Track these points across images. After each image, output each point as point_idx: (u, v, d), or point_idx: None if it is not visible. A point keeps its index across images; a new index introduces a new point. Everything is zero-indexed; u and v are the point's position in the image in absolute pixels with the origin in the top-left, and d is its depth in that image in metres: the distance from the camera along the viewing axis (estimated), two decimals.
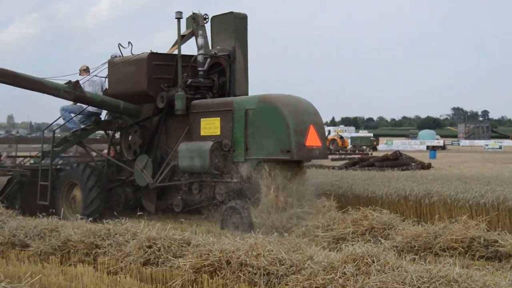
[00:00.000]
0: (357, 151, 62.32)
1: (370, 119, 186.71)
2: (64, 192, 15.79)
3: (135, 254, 8.72)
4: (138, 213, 12.52)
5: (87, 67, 17.20)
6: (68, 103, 16.53)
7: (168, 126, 15.16)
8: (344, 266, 7.04)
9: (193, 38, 15.82)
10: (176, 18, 14.59)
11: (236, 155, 13.54)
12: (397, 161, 29.93)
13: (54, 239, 10.00)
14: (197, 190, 14.25)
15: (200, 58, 15.01)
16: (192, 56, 15.19)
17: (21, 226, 10.89)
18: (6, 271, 8.26)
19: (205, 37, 15.53)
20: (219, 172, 13.68)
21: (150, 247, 8.72)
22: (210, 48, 15.46)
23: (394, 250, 8.47)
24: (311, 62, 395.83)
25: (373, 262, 7.06)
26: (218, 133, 13.87)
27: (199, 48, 15.24)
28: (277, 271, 7.47)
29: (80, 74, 17.01)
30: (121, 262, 8.74)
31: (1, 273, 8.01)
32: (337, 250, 8.54)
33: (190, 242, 8.76)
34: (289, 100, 13.33)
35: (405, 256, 7.91)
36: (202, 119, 14.30)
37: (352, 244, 7.63)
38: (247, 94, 14.88)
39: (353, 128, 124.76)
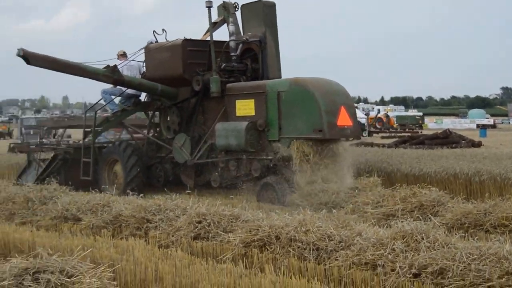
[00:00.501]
0: (407, 129, 61.66)
1: (419, 99, 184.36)
2: (106, 168, 16.71)
3: (186, 228, 8.84)
4: (187, 191, 12.68)
5: (124, 52, 17.85)
6: (108, 86, 17.10)
7: (204, 107, 15.95)
8: (393, 243, 7.02)
9: (225, 25, 16.38)
10: (206, 6, 15.41)
11: (271, 134, 14.20)
12: (447, 139, 29.59)
13: (105, 214, 10.21)
14: (234, 167, 14.93)
15: (232, 44, 15.75)
16: (224, 42, 15.88)
17: (73, 201, 11.16)
18: (58, 244, 8.46)
19: (236, 24, 16.12)
20: (254, 150, 14.37)
21: (200, 222, 8.83)
22: (242, 34, 16.03)
23: (443, 227, 8.40)
24: (360, 42, 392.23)
25: (423, 239, 7.03)
26: (253, 113, 14.55)
27: (230, 34, 15.91)
28: (326, 246, 7.50)
29: (118, 59, 17.65)
30: (172, 236, 8.88)
31: (53, 246, 8.26)
32: (386, 226, 8.51)
33: (240, 218, 8.85)
34: (320, 82, 13.95)
35: (455, 233, 7.85)
36: (237, 101, 15.01)
37: (401, 221, 7.63)
38: (280, 77, 15.43)
39: (402, 107, 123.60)
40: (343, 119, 13.60)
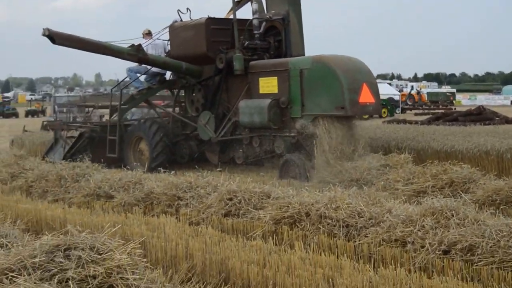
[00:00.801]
0: (440, 106, 61.05)
1: (453, 75, 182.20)
2: (131, 145, 16.91)
3: (216, 206, 8.90)
4: (218, 169, 12.75)
5: (150, 31, 17.96)
6: (134, 64, 17.35)
7: (228, 85, 16.06)
8: (423, 220, 7.01)
9: (249, 3, 16.41)
10: None
11: (293, 111, 14.33)
12: (480, 115, 29.29)
13: (137, 191, 10.31)
14: (257, 144, 15.19)
15: (255, 22, 15.80)
16: (247, 20, 15.96)
17: (106, 179, 11.27)
18: (90, 221, 8.57)
19: (259, 2, 16.18)
20: (277, 127, 14.52)
21: (230, 199, 8.89)
22: (266, 12, 16.11)
23: (474, 204, 8.35)
24: (393, 18, 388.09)
25: (452, 215, 7.01)
26: (276, 91, 14.69)
27: (254, 12, 15.97)
28: (356, 223, 7.51)
29: (143, 38, 17.77)
30: (203, 213, 8.95)
31: (85, 223, 8.38)
32: (416, 203, 8.49)
33: (270, 195, 8.88)
34: (342, 60, 14.10)
35: (485, 210, 7.81)
36: (260, 78, 15.14)
37: (432, 198, 7.61)
38: (303, 55, 15.48)
39: (435, 84, 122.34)
40: (365, 96, 13.71)
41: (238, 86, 15.77)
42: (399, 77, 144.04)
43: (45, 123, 30.45)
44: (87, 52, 16.24)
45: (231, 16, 15.90)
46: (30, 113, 66.52)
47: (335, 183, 10.89)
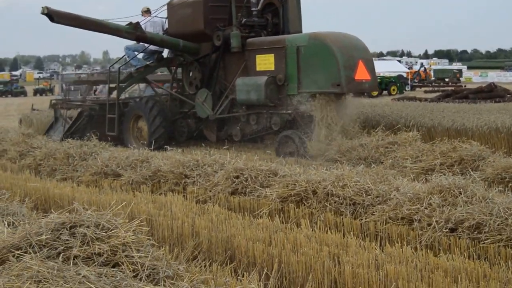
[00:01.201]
0: (450, 83, 60.69)
1: (464, 52, 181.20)
2: (130, 123, 17.13)
3: (223, 184, 8.93)
4: (225, 147, 12.79)
5: (148, 8, 18.07)
6: (131, 42, 17.51)
7: (225, 63, 16.17)
8: (430, 197, 7.01)
9: None
10: None
11: (290, 89, 14.46)
12: (491, 93, 29.16)
13: (144, 170, 10.34)
14: (254, 121, 15.38)
15: None
16: None
17: (113, 157, 11.33)
18: (98, 199, 8.62)
19: None
20: (274, 104, 14.69)
21: (237, 177, 8.91)
22: None
23: (483, 182, 8.33)
24: None
25: (460, 193, 7.00)
26: (273, 68, 14.78)
27: None
28: (363, 201, 7.52)
29: (142, 16, 17.92)
30: (210, 191, 8.98)
31: (93, 201, 8.43)
32: (422, 181, 8.49)
33: (277, 173, 8.88)
34: (338, 37, 14.24)
35: (495, 188, 7.79)
36: (257, 56, 15.23)
37: (440, 176, 7.59)
38: (301, 32, 15.52)
39: (446, 61, 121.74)
40: (361, 73, 13.88)
41: (235, 63, 15.87)
42: (409, 54, 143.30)
43: (53, 101, 30.48)
44: (86, 30, 16.35)
45: None
46: (38, 92, 66.73)
47: (343, 161, 10.89)
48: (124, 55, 18.48)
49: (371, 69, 14.23)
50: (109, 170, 10.91)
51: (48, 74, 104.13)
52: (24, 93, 68.01)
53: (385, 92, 44.14)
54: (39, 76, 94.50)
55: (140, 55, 17.92)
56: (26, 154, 13.58)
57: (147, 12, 18.01)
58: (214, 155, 10.29)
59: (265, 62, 15.01)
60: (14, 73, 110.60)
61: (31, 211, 7.08)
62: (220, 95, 16.15)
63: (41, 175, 11.97)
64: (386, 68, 64.69)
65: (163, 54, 17.93)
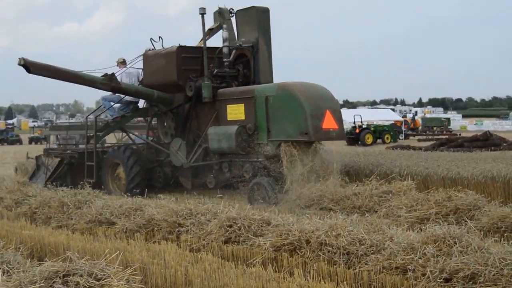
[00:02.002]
0: (437, 132, 60.90)
1: (459, 100, 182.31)
2: (109, 171, 17.53)
3: (216, 232, 8.93)
4: (218, 195, 12.82)
5: (124, 59, 18.60)
6: (109, 93, 17.82)
7: (198, 112, 16.66)
8: (425, 247, 7.02)
9: (220, 31, 16.92)
10: (200, 13, 15.94)
11: (260, 137, 14.96)
12: (487, 141, 29.28)
13: (138, 218, 10.38)
14: (227, 169, 15.80)
15: (225, 50, 16.47)
16: (217, 48, 16.54)
17: (107, 205, 11.38)
18: (92, 247, 8.61)
19: (231, 30, 16.75)
20: (245, 153, 15.15)
21: (230, 226, 8.92)
22: (236, 40, 16.64)
23: (479, 231, 8.34)
24: (398, 41, 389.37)
25: (455, 243, 7.01)
26: (243, 118, 15.30)
27: (224, 40, 16.58)
28: (357, 250, 7.52)
29: (118, 66, 18.44)
30: (203, 240, 8.98)
31: (87, 249, 8.41)
32: (417, 231, 8.48)
33: (270, 222, 8.90)
34: (305, 87, 14.67)
35: (490, 238, 7.80)
36: (228, 106, 15.75)
37: (435, 225, 7.60)
38: (272, 82, 16.00)
39: (441, 109, 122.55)
40: (328, 122, 14.33)
41: (207, 113, 16.32)
42: (402, 103, 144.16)
43: (49, 151, 30.56)
44: (63, 81, 16.72)
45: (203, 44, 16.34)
46: (33, 140, 66.90)
47: (337, 210, 10.91)
48: (101, 105, 18.91)
49: (338, 118, 14.63)
50: (103, 218, 10.95)
51: (43, 123, 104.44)
52: (19, 141, 68.16)
53: (379, 140, 44.36)
54: (34, 125, 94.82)
55: (117, 105, 18.33)
56: (21, 202, 13.67)
57: (122, 63, 18.52)
58: (207, 204, 10.33)
59: (236, 111, 15.48)
60: (9, 121, 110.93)
61: (26, 259, 7.07)
62: (194, 144, 16.57)
63: (37, 222, 12.00)
64: (379, 116, 65.14)
65: (138, 104, 18.39)
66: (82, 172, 17.62)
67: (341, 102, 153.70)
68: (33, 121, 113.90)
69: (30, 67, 15.63)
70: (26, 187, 14.94)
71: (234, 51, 16.50)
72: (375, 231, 8.14)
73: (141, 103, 18.42)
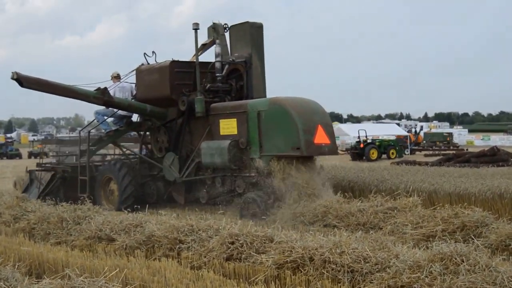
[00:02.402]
0: (440, 146, 60.61)
1: (465, 114, 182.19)
2: (102, 185, 17.74)
3: (218, 249, 8.86)
4: (220, 211, 12.76)
5: (118, 74, 18.84)
6: (102, 107, 18.10)
7: (191, 127, 17.00)
8: (431, 265, 6.94)
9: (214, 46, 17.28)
10: (193, 29, 16.22)
11: (252, 152, 15.29)
12: (494, 157, 29.12)
13: (138, 234, 10.32)
14: (219, 184, 16.02)
15: (217, 65, 16.82)
16: (210, 63, 16.87)
17: (107, 221, 11.32)
18: (92, 264, 8.54)
19: (224, 45, 17.13)
20: (237, 167, 15.48)
21: (232, 243, 8.85)
22: (230, 55, 16.98)
23: (487, 249, 8.25)
24: (403, 56, 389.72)
25: (462, 261, 6.92)
26: (236, 132, 15.65)
27: (216, 55, 16.87)
28: (362, 268, 7.44)
29: (112, 81, 18.68)
30: (204, 257, 8.91)
31: (87, 266, 8.34)
32: (423, 248, 8.40)
33: (273, 239, 8.82)
34: (297, 102, 14.99)
35: (498, 256, 7.70)
36: (221, 120, 16.09)
37: (441, 243, 7.51)
38: (265, 97, 16.40)
39: (447, 123, 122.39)
40: (320, 137, 14.60)
41: (200, 127, 16.65)
42: (408, 117, 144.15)
43: (50, 166, 30.59)
44: (56, 95, 16.81)
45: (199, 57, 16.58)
46: (33, 154, 66.83)
47: (341, 227, 10.83)
48: (94, 120, 19.04)
49: (330, 133, 14.89)
50: (103, 234, 10.89)
51: (43, 137, 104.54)
52: (19, 156, 68.05)
53: (384, 155, 44.23)
54: (34, 139, 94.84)
55: (111, 120, 18.61)
56: (20, 217, 13.59)
57: (116, 77, 18.71)
58: (209, 220, 10.27)
59: (228, 126, 15.78)
60: (8, 135, 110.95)
61: (24, 276, 7.02)
62: (187, 159, 16.88)
63: (35, 239, 11.97)
64: (384, 131, 65.02)
65: (132, 118, 18.60)
66: (75, 186, 17.81)
67: (345, 117, 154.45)
68: (33, 135, 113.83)
69: (22, 81, 15.87)
70: (25, 203, 14.86)
71: (227, 66, 16.80)
72: (380, 248, 8.05)
73: (135, 117, 18.65)
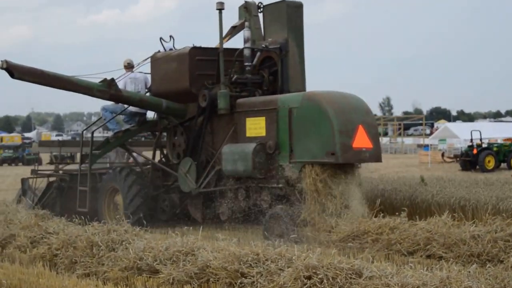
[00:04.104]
0: None
1: None
2: (106, 198, 18.15)
3: (291, 286, 8.86)
4: (292, 235, 12.79)
5: (128, 63, 19.09)
6: (110, 102, 18.54)
7: (214, 127, 17.42)
8: None
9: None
10: (217, 9, 16.53)
11: (281, 158, 15.56)
12: None
13: (189, 265, 10.32)
14: (243, 196, 16.32)
15: (246, 52, 16.81)
16: (237, 50, 16.98)
17: (149, 248, 11.32)
18: None
19: (257, 28, 17.36)
20: (263, 177, 15.72)
21: (309, 278, 8.83)
22: (264, 40, 17.13)
23: None
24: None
25: None
26: (264, 134, 15.92)
27: (245, 41, 17.01)
28: None
29: (125, 70, 18.99)
30: None
31: None
32: None
33: (362, 273, 8.78)
34: (335, 97, 15.34)
35: None
36: (247, 119, 16.41)
37: None
38: (304, 91, 16.73)
39: None
40: (361, 141, 14.84)
41: (224, 128, 17.04)
42: None
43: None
44: (52, 88, 17.48)
45: (226, 44, 17.02)
46: (57, 159, 67.48)
47: (449, 258, 10.74)
48: (101, 117, 19.67)
49: (373, 135, 15.14)
50: (144, 264, 10.93)
51: (69, 137, 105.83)
52: (38, 161, 69.06)
53: (503, 164, 43.52)
54: (58, 139, 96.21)
55: (120, 117, 19.01)
56: (39, 241, 13.70)
57: (127, 67, 18.98)
58: (279, 248, 10.24)
59: (256, 126, 16.04)
60: (26, 135, 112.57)
61: None
62: (206, 165, 16.93)
63: (58, 269, 12.06)
64: (504, 132, 63.80)
65: (146, 116, 18.94)
66: (73, 198, 18.23)
67: (454, 113, 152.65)
68: (57, 135, 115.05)
69: (13, 71, 16.31)
70: (46, 222, 15.01)
71: (258, 54, 16.96)
72: (500, 287, 7.98)
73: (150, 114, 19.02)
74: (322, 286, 8.65)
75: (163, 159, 18.94)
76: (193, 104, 17.37)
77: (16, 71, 16.42)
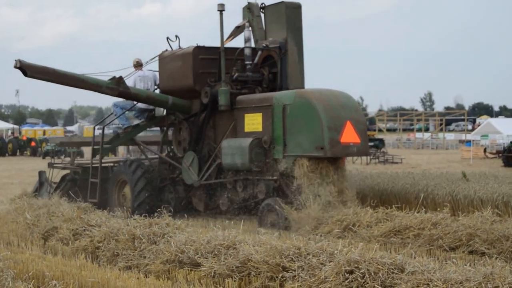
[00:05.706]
0: None
1: None
2: (115, 189, 19.03)
3: (333, 280, 8.83)
4: (336, 229, 12.75)
5: (137, 62, 19.96)
6: (121, 98, 19.19)
7: (216, 122, 18.51)
8: None
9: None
10: (218, 10, 17.39)
11: (276, 152, 16.64)
12: None
13: (230, 258, 10.33)
14: (241, 188, 17.44)
15: (247, 51, 17.97)
16: (238, 49, 17.82)
17: (190, 241, 11.36)
18: None
19: (260, 28, 18.13)
20: (259, 170, 16.82)
21: (351, 272, 8.80)
22: (265, 39, 17.82)
23: None
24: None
25: None
26: (260, 129, 17.00)
27: (246, 40, 17.80)
28: None
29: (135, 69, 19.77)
30: None
31: None
32: None
33: (404, 268, 8.74)
34: (325, 95, 16.34)
35: None
36: (246, 115, 17.48)
37: None
38: (303, 88, 17.66)
39: None
40: (348, 136, 15.88)
41: (224, 123, 18.15)
42: None
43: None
44: (63, 85, 18.42)
45: (229, 43, 17.91)
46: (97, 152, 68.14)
47: (492, 253, 10.67)
48: (112, 113, 20.53)
49: (361, 130, 16.18)
50: (185, 257, 10.96)
51: (111, 130, 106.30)
52: (80, 154, 69.68)
53: None
54: (100, 133, 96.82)
55: (130, 113, 19.84)
56: (81, 233, 13.85)
57: (136, 65, 19.81)
58: (321, 242, 10.22)
59: (254, 122, 17.20)
60: (68, 128, 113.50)
61: None
62: (208, 159, 18.25)
63: (100, 261, 12.16)
64: None
65: (154, 112, 19.73)
66: (86, 189, 19.18)
67: (496, 109, 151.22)
68: (99, 128, 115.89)
69: (26, 70, 17.16)
70: (88, 214, 15.13)
71: (259, 53, 17.69)
72: None
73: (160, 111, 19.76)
74: (364, 281, 8.62)
75: (170, 153, 19.72)
76: (197, 100, 18.33)
77: (29, 70, 17.30)
